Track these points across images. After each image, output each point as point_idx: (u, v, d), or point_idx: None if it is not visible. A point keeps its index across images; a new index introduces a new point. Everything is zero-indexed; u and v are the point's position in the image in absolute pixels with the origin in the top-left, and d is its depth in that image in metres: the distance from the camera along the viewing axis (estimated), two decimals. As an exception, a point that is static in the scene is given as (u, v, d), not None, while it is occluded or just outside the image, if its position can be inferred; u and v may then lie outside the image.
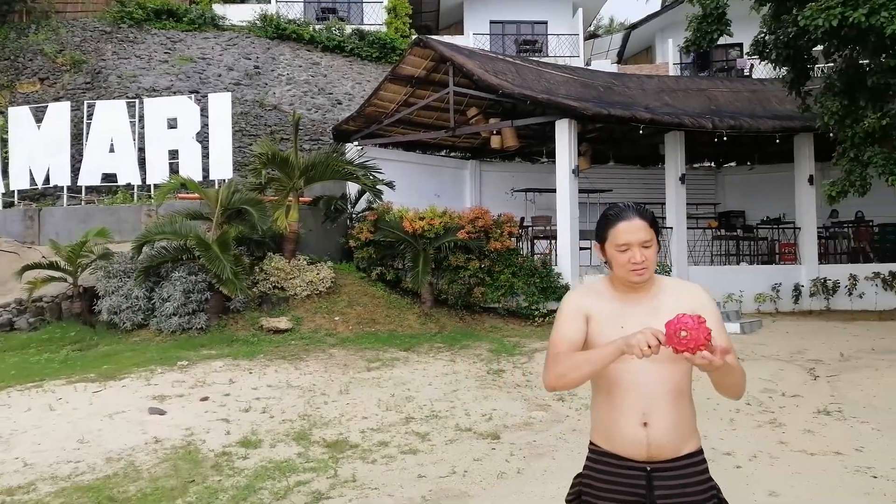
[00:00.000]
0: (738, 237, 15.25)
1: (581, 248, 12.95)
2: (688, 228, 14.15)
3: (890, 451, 4.93)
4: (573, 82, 13.53)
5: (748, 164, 17.58)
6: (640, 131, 12.45)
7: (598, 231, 2.07)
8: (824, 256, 14.93)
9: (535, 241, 13.29)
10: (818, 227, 14.71)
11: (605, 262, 2.11)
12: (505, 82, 11.89)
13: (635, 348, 1.74)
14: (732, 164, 17.94)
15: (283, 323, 9.59)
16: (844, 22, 7.78)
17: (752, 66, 20.00)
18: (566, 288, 11.93)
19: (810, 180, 14.34)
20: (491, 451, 5.21)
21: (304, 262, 10.79)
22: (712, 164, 17.88)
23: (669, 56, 21.07)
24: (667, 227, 13.62)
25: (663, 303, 2.00)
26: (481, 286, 11.63)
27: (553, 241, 12.78)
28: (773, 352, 9.24)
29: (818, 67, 11.36)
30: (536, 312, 11.58)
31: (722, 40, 11.08)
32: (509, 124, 12.87)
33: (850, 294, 13.99)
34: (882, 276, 14.00)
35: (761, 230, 15.44)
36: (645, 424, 1.93)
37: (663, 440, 1.93)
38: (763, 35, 10.85)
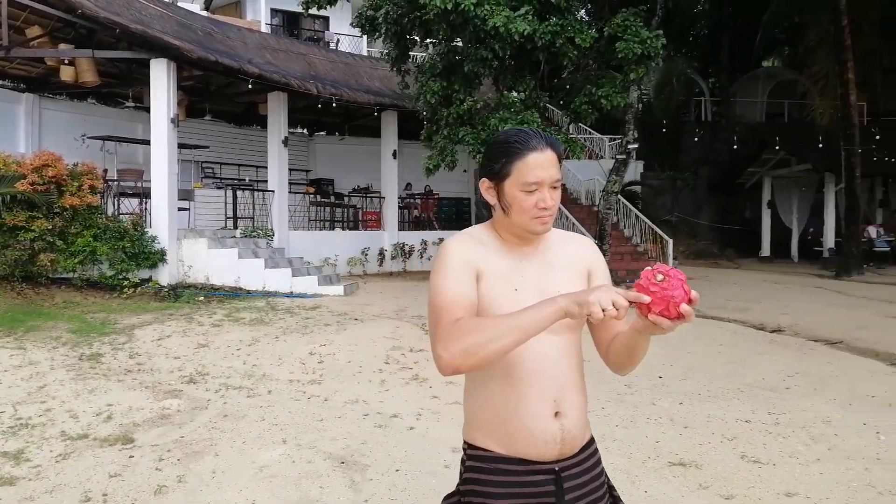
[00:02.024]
0: (333, 204, 15.81)
1: (180, 209, 11.59)
2: (288, 193, 14.01)
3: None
4: (169, 19, 11.85)
5: (337, 134, 18.36)
6: (250, 86, 11.65)
7: (493, 164, 1.54)
8: (402, 224, 16.62)
9: (122, 198, 11.34)
10: (398, 198, 16.30)
11: (491, 206, 1.61)
12: (87, 1, 9.66)
13: (594, 307, 1.28)
14: (323, 133, 18.50)
15: None
16: (456, 7, 8.53)
17: (338, 40, 20.87)
18: (162, 254, 10.54)
19: (394, 154, 15.69)
20: (129, 459, 4.07)
21: None
22: (305, 131, 18.10)
23: (262, 14, 20.47)
24: (269, 191, 13.23)
25: (556, 257, 1.61)
26: (50, 251, 9.39)
27: (146, 200, 11.09)
28: (380, 311, 9.78)
29: (419, 48, 12.33)
30: (126, 283, 9.95)
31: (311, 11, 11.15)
32: (90, 54, 10.57)
33: (422, 257, 15.89)
34: (444, 240, 16.29)
35: (353, 198, 16.30)
36: (557, 414, 1.51)
37: (575, 430, 1.54)
38: (367, 10, 11.27)
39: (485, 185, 1.58)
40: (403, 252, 15.59)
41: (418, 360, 6.71)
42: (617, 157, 12.12)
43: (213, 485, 3.70)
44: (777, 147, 15.27)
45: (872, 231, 16.11)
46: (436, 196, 17.74)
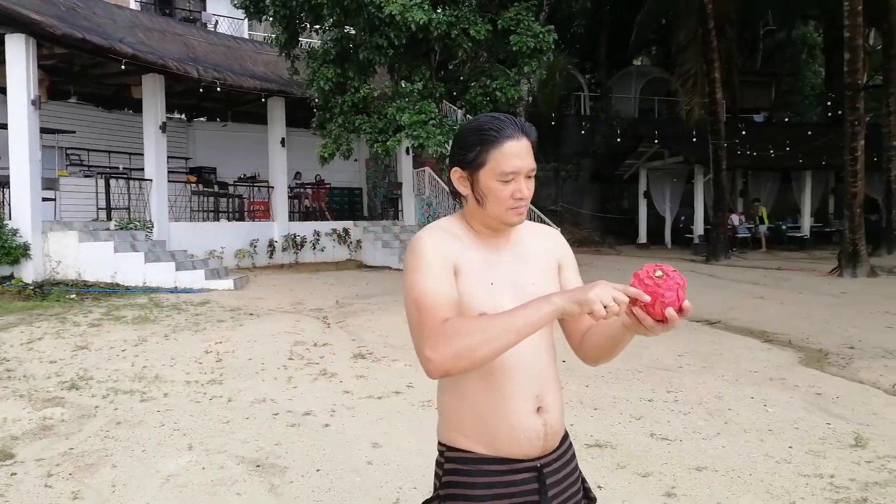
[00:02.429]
0: (216, 193, 15.02)
1: (44, 199, 10.56)
2: (168, 182, 13.15)
3: (428, 380, 5.55)
4: (26, -10, 10.69)
5: (219, 120, 17.45)
6: (123, 67, 10.77)
7: (466, 153, 1.46)
8: (292, 214, 16.10)
9: (-26, 187, 10.16)
10: (287, 187, 15.76)
11: (461, 197, 1.53)
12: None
13: (595, 305, 1.25)
14: (203, 118, 17.50)
15: None
16: (352, -9, 8.33)
17: (217, 21, 19.81)
18: (25, 248, 9.57)
19: (282, 142, 15.14)
20: (11, 477, 3.63)
21: None
22: (183, 116, 17.05)
23: (132, -10, 19.02)
24: (146, 180, 12.35)
25: (527, 249, 1.56)
26: None
27: (5, 190, 10.00)
28: (276, 305, 9.42)
29: (309, 34, 11.92)
30: (-17, 281, 8.95)
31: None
32: (-68, 25, 9.34)
33: (315, 248, 15.50)
34: (337, 231, 15.98)
35: (239, 188, 15.57)
36: (539, 410, 1.46)
37: (557, 425, 1.50)
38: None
39: (456, 174, 1.50)
40: (295, 244, 15.12)
41: (324, 354, 6.51)
42: (509, 148, 12.34)
43: (114, 499, 3.38)
44: (655, 141, 16.25)
45: (735, 219, 17.55)
46: (327, 186, 17.34)
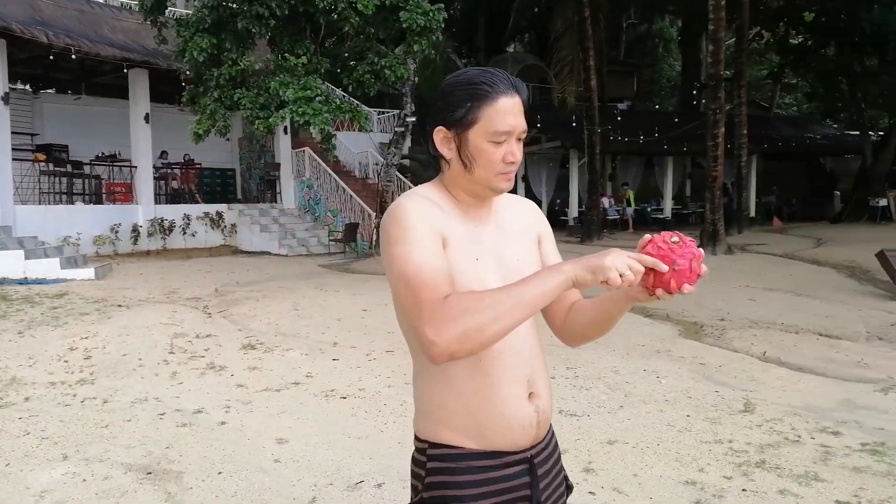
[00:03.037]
0: (70, 174, 13.60)
1: None
2: (12, 160, 11.73)
3: (328, 368, 5.30)
4: None
5: (70, 92, 15.80)
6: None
7: (455, 110, 1.28)
8: (158, 197, 14.95)
9: None
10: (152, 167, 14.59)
11: (441, 162, 1.35)
12: None
13: (611, 272, 1.13)
14: (52, 90, 15.77)
15: None
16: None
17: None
18: None
19: (146, 118, 13.98)
20: None
21: None
22: (28, 88, 15.26)
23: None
24: (-14, 158, 10.94)
25: (508, 222, 1.42)
26: None
27: None
28: (147, 294, 8.69)
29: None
30: None
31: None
32: None
33: (185, 233, 14.52)
34: (210, 215, 15.06)
35: (97, 167, 14.21)
36: (531, 395, 1.33)
37: (548, 411, 1.38)
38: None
39: (440, 134, 1.32)
40: (163, 228, 14.08)
41: (209, 346, 6.05)
42: (395, 129, 12.16)
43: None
44: (538, 126, 16.68)
45: (605, 202, 18.47)
46: (197, 166, 16.25)
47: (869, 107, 21.28)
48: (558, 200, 20.36)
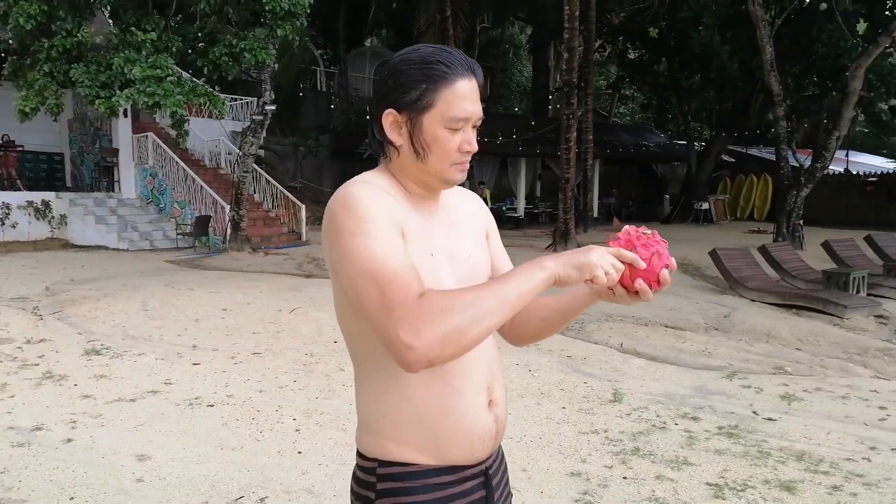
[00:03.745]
0: None
1: None
2: None
3: (189, 374, 4.87)
4: None
5: None
6: None
7: (408, 91, 1.15)
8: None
9: None
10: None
11: (395, 146, 1.21)
12: None
13: (596, 270, 1.07)
14: None
15: None
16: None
17: None
18: None
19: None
20: None
21: None
22: None
23: None
24: None
25: (457, 215, 1.31)
26: None
27: None
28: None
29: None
30: None
31: None
32: None
33: (3, 224, 12.87)
34: (34, 204, 13.46)
35: None
36: (490, 403, 1.23)
37: (505, 419, 1.28)
38: None
39: (389, 118, 1.18)
40: (-26, 218, 12.34)
41: (44, 353, 5.34)
42: (253, 118, 11.53)
43: None
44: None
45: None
46: (18, 149, 14.40)
47: (693, 119, 23.58)
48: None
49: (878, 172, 23.39)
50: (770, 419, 4.20)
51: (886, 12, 15.85)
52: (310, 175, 20.25)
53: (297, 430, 3.86)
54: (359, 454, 1.24)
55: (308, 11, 9.44)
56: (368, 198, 1.12)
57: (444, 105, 1.16)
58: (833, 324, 7.39)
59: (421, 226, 1.20)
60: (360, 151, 20.21)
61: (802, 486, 3.22)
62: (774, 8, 16.34)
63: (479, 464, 1.23)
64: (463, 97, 1.17)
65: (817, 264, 10.06)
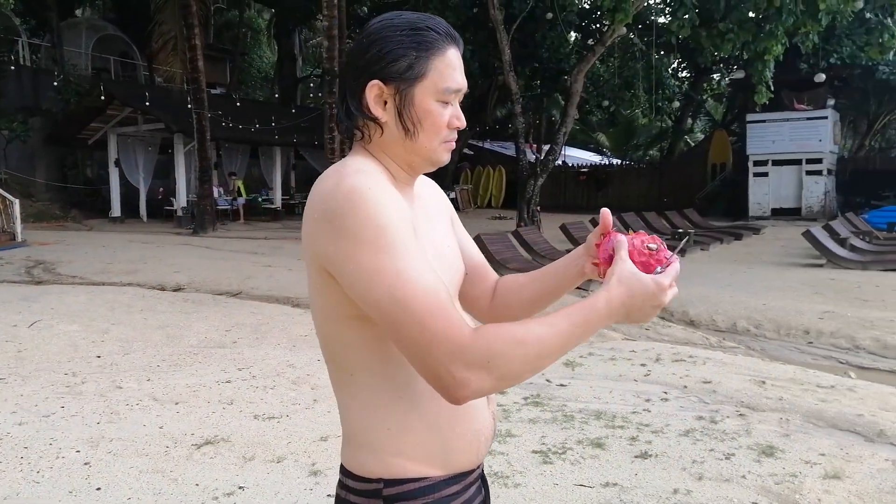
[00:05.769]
0: None
1: None
2: None
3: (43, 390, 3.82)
4: None
5: None
6: None
7: (395, 61, 1.02)
8: None
9: None
10: None
11: (379, 123, 1.04)
12: None
13: (667, 295, 0.99)
14: None
15: None
16: None
17: None
18: None
19: None
20: None
21: None
22: None
23: None
24: None
25: (430, 203, 1.20)
26: None
27: None
28: None
29: None
30: None
31: None
32: None
33: None
34: None
35: None
36: (488, 399, 1.16)
37: (496, 415, 1.21)
38: None
39: (374, 91, 1.04)
40: None
41: None
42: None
43: None
44: (147, 104, 14.73)
45: (216, 191, 17.58)
46: None
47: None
48: (161, 189, 18.60)
49: (589, 164, 27.39)
50: (562, 385, 4.64)
51: (594, 25, 18.50)
52: (17, 164, 17.24)
53: (86, 464, 3.27)
54: (351, 476, 1.09)
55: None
56: (381, 196, 0.98)
57: (437, 75, 1.05)
58: (581, 296, 8.44)
59: (412, 218, 1.07)
60: (83, 138, 17.74)
61: (608, 441, 3.62)
62: (506, 13, 18.01)
63: (478, 467, 1.17)
64: (454, 66, 1.07)
65: (558, 245, 11.38)
